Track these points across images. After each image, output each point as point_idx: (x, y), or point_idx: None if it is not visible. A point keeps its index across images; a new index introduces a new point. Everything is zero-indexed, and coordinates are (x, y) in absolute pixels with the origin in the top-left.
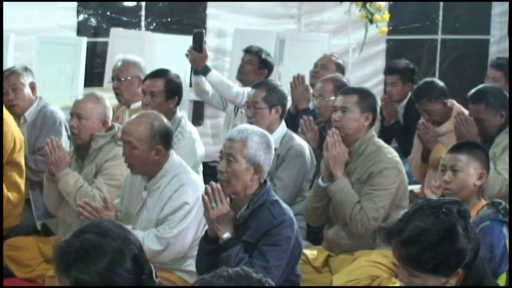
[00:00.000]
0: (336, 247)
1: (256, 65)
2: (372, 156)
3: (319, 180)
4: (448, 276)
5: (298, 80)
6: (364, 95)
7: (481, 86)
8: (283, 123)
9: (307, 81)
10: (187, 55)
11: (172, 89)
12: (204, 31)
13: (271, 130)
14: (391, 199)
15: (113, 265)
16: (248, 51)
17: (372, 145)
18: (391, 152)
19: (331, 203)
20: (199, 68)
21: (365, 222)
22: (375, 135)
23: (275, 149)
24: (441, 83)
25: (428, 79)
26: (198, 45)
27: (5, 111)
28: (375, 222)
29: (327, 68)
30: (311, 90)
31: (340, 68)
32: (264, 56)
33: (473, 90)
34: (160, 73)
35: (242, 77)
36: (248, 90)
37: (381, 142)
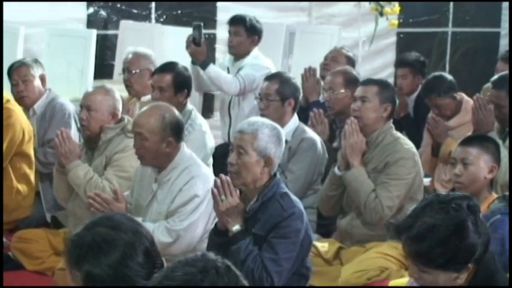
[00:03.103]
0: (348, 238)
1: (244, 34)
2: (389, 147)
3: (335, 169)
4: (458, 272)
5: (309, 72)
6: (384, 87)
7: (504, 72)
8: (296, 116)
9: (317, 74)
10: (186, 47)
11: (181, 83)
12: (203, 24)
13: (283, 123)
14: (406, 189)
15: (124, 258)
16: (233, 22)
17: (390, 136)
18: (408, 143)
19: (346, 192)
20: (198, 62)
21: (379, 211)
22: (392, 127)
23: (287, 142)
24: (450, 77)
25: (436, 73)
26: (198, 38)
27: (14, 103)
28: (389, 211)
29: (337, 61)
30: (322, 83)
31: (351, 61)
32: (249, 22)
33: (496, 77)
34: (168, 67)
35: (234, 51)
36: (242, 75)
37: (398, 134)
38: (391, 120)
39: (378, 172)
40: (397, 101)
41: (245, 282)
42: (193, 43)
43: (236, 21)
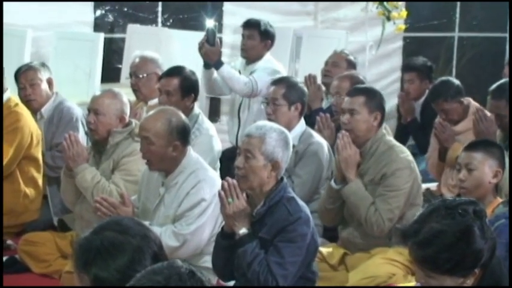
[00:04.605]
0: (351, 246)
1: (258, 38)
2: (384, 157)
3: (332, 182)
4: (465, 277)
5: (309, 80)
6: (370, 95)
7: (502, 81)
8: (303, 120)
9: (318, 80)
10: (200, 48)
11: (188, 87)
12: (216, 24)
13: (290, 127)
14: (405, 199)
15: (132, 263)
16: (247, 25)
17: (383, 144)
18: (403, 151)
19: (346, 204)
20: (212, 62)
21: (380, 224)
22: (385, 134)
23: (294, 146)
24: (457, 82)
25: (443, 78)
26: (211, 39)
27: (23, 107)
28: (390, 223)
29: (338, 65)
30: (323, 89)
31: (352, 65)
32: (263, 27)
33: (494, 86)
34: (175, 71)
35: (246, 54)
36: (255, 78)
37: (393, 141)
38: (383, 127)
39: (375, 184)
40: (386, 107)
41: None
42: (206, 43)
43: (250, 25)
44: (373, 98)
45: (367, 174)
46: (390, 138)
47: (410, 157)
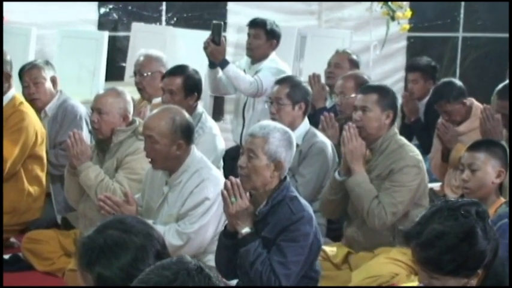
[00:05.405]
0: (355, 244)
1: (264, 38)
2: (393, 154)
3: (336, 174)
4: (468, 278)
5: (314, 79)
6: (384, 93)
7: (508, 81)
8: (306, 119)
9: (322, 79)
10: (205, 48)
11: (191, 86)
12: (222, 23)
13: (294, 126)
14: (410, 196)
15: (135, 261)
16: (253, 24)
17: (394, 143)
18: (413, 150)
19: (350, 199)
20: (217, 61)
21: (382, 217)
22: (397, 133)
23: (298, 146)
24: (459, 83)
25: (446, 79)
26: (217, 38)
27: (28, 105)
28: (392, 217)
29: (341, 66)
30: (327, 89)
31: (354, 64)
32: (269, 26)
33: (500, 86)
34: (178, 70)
35: (252, 54)
36: (260, 77)
37: (404, 140)
38: (395, 126)
39: (381, 179)
40: (398, 106)
41: (218, 283)
42: (212, 42)
43: (257, 24)
44: (386, 96)
45: (375, 170)
46: (401, 137)
47: (420, 157)
